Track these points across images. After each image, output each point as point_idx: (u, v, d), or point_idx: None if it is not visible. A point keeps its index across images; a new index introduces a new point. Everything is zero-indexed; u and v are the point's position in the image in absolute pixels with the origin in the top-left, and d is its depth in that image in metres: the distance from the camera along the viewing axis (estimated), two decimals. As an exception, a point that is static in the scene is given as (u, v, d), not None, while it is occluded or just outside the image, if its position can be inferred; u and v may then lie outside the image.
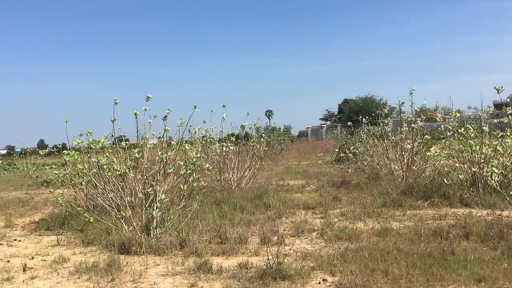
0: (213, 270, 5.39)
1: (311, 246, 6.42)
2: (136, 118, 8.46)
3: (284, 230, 7.21)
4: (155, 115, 8.43)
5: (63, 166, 11.69)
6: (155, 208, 7.24)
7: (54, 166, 12.10)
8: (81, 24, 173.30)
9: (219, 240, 6.82)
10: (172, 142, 9.73)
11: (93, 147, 8.19)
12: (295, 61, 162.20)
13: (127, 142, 9.33)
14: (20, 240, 7.95)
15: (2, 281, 5.46)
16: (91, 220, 7.69)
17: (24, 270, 5.99)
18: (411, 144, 11.47)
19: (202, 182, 8.63)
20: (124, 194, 7.98)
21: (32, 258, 6.63)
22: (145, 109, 8.42)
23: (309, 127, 69.88)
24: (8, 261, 6.51)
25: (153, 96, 8.27)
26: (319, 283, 4.85)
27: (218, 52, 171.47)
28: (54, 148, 11.47)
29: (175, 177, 8.15)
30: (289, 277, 4.89)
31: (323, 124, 72.00)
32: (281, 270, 4.94)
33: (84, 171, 8.74)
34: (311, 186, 12.50)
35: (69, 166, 10.06)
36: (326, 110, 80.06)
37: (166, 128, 8.24)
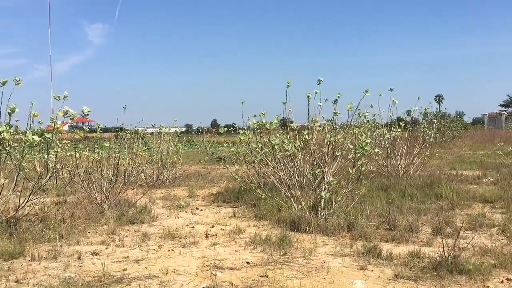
0: (382, 256, 5.35)
1: (490, 242, 5.94)
2: (308, 100, 8.69)
3: (461, 223, 6.76)
4: (326, 98, 8.55)
5: (237, 144, 12.60)
6: (323, 189, 7.40)
7: (226, 144, 13.10)
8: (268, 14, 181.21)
9: (388, 226, 6.71)
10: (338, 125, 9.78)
11: (268, 127, 8.59)
12: (471, 43, 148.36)
13: (297, 124, 9.65)
14: (201, 210, 8.85)
15: (189, 244, 6.16)
16: (263, 196, 8.18)
17: (206, 236, 6.68)
18: None
19: (370, 167, 8.55)
20: (293, 173, 8.30)
21: (213, 226, 7.34)
22: (316, 92, 8.58)
23: (485, 114, 63.83)
24: (193, 227, 7.31)
25: (324, 80, 8.38)
26: (501, 282, 4.49)
27: (387, 35, 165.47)
28: (230, 128, 12.41)
29: (343, 160, 8.19)
30: (466, 272, 4.61)
31: (503, 111, 65.01)
32: (458, 263, 4.68)
33: (257, 150, 9.33)
34: (489, 178, 11.47)
35: (243, 144, 10.86)
36: (508, 95, 71.95)
37: (336, 111, 8.30)
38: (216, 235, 6.74)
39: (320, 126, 9.39)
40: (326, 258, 5.47)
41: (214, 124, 73.80)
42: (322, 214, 7.17)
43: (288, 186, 8.05)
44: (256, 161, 9.54)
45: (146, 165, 11.71)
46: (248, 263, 5.31)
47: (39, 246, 6.06)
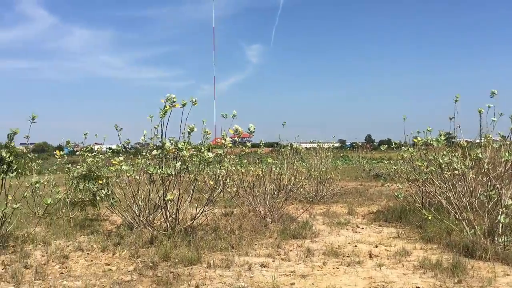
0: None
1: None
2: (479, 115, 8.04)
3: None
4: (501, 113, 7.83)
5: (395, 161, 12.14)
6: (500, 213, 6.73)
7: (386, 161, 12.69)
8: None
9: None
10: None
11: (435, 144, 8.13)
12: None
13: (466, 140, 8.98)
14: (362, 228, 8.70)
15: (354, 263, 6.09)
16: (429, 218, 7.74)
17: (370, 256, 6.53)
18: None
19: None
20: (463, 194, 7.70)
21: (376, 246, 7.16)
22: (489, 106, 7.91)
23: None
24: (356, 246, 7.22)
25: (499, 93, 7.70)
26: None
27: None
28: (385, 144, 12.01)
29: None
30: None
31: None
32: None
33: (421, 168, 8.87)
34: None
35: (405, 162, 10.44)
36: None
37: (513, 127, 7.53)
38: (380, 255, 6.56)
39: (494, 142, 8.61)
40: (509, 290, 4.95)
41: (369, 139, 72.36)
42: (500, 241, 6.51)
43: (458, 208, 7.49)
44: (420, 180, 9.08)
45: (305, 180, 11.94)
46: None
47: (213, 255, 6.55)
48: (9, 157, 7.09)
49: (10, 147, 7.48)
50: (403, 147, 9.54)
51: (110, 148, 11.90)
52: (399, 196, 8.84)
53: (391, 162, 11.22)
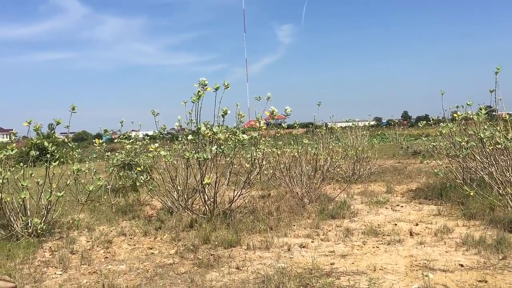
0: None
1: None
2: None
3: None
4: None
5: (433, 137, 11.85)
6: (547, 187, 6.50)
7: (422, 138, 12.39)
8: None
9: None
10: None
11: (476, 119, 7.88)
12: None
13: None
14: (402, 206, 8.58)
15: (394, 242, 6.03)
16: (471, 194, 7.56)
17: (411, 234, 6.44)
18: None
19: None
20: (506, 169, 7.47)
21: (417, 224, 7.05)
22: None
23: None
24: (396, 224, 7.13)
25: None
26: None
27: None
28: (422, 120, 11.72)
29: None
30: None
31: None
32: None
33: (462, 143, 8.64)
34: None
35: (444, 138, 10.18)
36: None
37: None
38: (421, 233, 6.46)
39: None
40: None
41: (405, 116, 70.91)
42: (547, 216, 6.30)
43: (501, 183, 7.28)
44: (461, 156, 8.84)
45: (341, 160, 11.83)
46: (461, 265, 4.96)
47: (252, 237, 6.61)
48: (51, 146, 7.32)
49: (52, 137, 7.74)
50: (442, 123, 9.29)
51: (146, 135, 12.11)
52: (439, 173, 8.65)
53: (430, 138, 10.93)
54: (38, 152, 7.47)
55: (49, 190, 7.29)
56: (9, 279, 3.23)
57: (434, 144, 10.08)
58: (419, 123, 10.11)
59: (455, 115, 8.46)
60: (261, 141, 8.44)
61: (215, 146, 7.58)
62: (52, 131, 8.19)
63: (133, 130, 12.99)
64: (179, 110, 8.28)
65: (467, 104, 8.58)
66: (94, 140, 11.18)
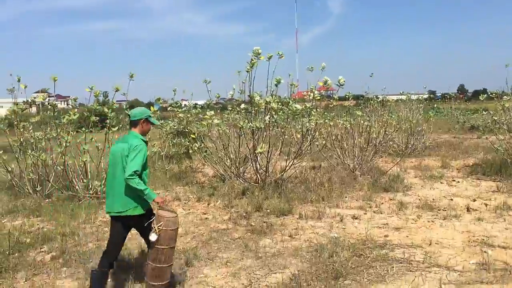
0: None
1: None
2: None
3: None
4: None
5: (495, 111, 11.34)
6: None
7: (481, 112, 11.87)
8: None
9: None
10: None
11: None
12: None
13: None
14: (458, 181, 8.33)
15: (450, 217, 5.89)
16: (534, 171, 7.25)
17: (468, 210, 6.27)
18: None
19: None
20: None
21: (474, 200, 6.84)
22: None
23: None
24: (451, 199, 6.95)
25: None
26: None
27: None
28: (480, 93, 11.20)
29: None
30: None
31: None
32: None
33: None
34: None
35: (507, 112, 9.72)
36: None
37: None
38: (479, 209, 6.27)
39: None
40: None
41: (462, 89, 68.09)
42: None
43: None
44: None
45: (395, 133, 11.55)
46: (523, 243, 4.79)
47: (304, 206, 6.64)
48: (110, 112, 7.56)
49: (109, 104, 7.98)
50: (505, 97, 8.87)
51: (197, 104, 12.23)
52: (500, 148, 8.30)
53: (491, 112, 10.44)
54: (98, 118, 7.72)
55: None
56: (173, 210, 3.72)
57: (496, 118, 9.61)
58: (480, 96, 9.66)
59: (520, 88, 8.04)
60: (313, 111, 8.36)
61: (268, 116, 7.59)
62: (107, 98, 8.44)
63: (182, 99, 13.19)
64: (229, 79, 8.32)
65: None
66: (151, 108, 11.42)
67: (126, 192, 3.56)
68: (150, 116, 3.83)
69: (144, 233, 3.69)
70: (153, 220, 3.58)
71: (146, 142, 3.74)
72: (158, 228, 3.52)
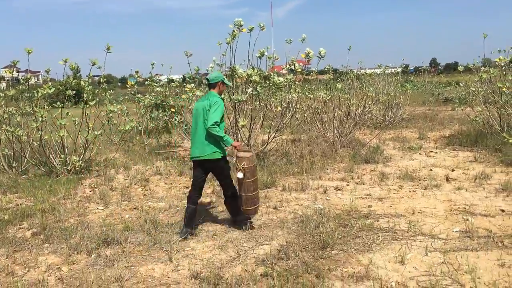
0: None
1: None
2: None
3: None
4: None
5: (469, 83, 11.50)
6: None
7: (454, 84, 12.01)
8: None
9: None
10: None
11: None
12: None
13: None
14: (436, 152, 8.46)
15: (431, 187, 5.98)
16: (510, 141, 7.40)
17: (447, 180, 6.37)
18: None
19: None
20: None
21: (453, 170, 6.96)
22: None
23: None
24: (431, 170, 7.06)
25: None
26: None
27: None
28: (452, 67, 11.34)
29: None
30: None
31: None
32: None
33: (502, 89, 8.40)
34: None
35: (483, 83, 9.87)
36: None
37: None
38: (458, 179, 6.39)
39: None
40: None
41: (434, 63, 68.90)
42: None
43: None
44: (500, 102, 8.59)
45: (372, 106, 11.62)
46: (502, 210, 4.91)
47: (287, 178, 6.64)
48: (87, 86, 7.34)
49: (80, 78, 7.75)
50: (483, 68, 8.98)
51: (172, 80, 12.01)
52: (477, 119, 8.44)
53: (463, 84, 10.57)
54: (74, 92, 7.50)
55: (87, 129, 7.39)
56: (248, 148, 4.24)
57: (473, 89, 9.75)
58: (458, 67, 9.76)
59: (497, 59, 8.15)
60: (294, 84, 8.29)
61: (251, 88, 7.50)
62: (79, 73, 8.21)
63: (157, 74, 12.94)
64: (205, 54, 8.14)
65: (504, 50, 8.22)
66: (123, 82, 11.17)
67: (205, 140, 4.37)
68: (225, 79, 4.68)
69: (219, 177, 4.58)
70: (236, 161, 4.42)
71: (222, 100, 4.50)
72: (242, 167, 4.38)
